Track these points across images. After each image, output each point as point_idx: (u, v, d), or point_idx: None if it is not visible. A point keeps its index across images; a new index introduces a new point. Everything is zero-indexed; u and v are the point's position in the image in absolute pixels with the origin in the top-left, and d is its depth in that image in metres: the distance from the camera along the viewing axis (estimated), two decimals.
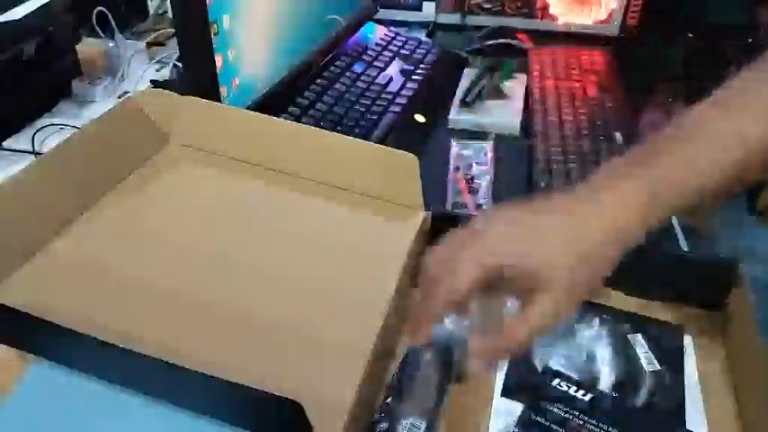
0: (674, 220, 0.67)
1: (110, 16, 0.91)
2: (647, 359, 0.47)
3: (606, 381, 0.46)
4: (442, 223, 0.54)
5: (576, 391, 0.44)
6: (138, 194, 0.53)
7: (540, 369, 0.46)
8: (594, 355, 0.48)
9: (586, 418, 0.42)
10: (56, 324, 0.35)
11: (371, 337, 0.42)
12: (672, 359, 0.48)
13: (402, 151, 0.53)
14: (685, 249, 0.63)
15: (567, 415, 0.43)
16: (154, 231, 0.50)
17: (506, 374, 0.46)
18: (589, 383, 0.45)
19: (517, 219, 0.40)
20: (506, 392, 0.45)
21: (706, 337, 0.51)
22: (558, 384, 0.45)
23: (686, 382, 0.47)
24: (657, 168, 0.40)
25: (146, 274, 0.46)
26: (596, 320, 0.50)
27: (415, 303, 0.41)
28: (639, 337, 0.49)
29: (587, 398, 0.44)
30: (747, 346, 0.46)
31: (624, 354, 0.48)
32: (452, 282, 0.38)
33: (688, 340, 0.50)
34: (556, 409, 0.43)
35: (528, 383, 0.45)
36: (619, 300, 0.51)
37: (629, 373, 0.47)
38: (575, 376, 0.46)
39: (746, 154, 0.40)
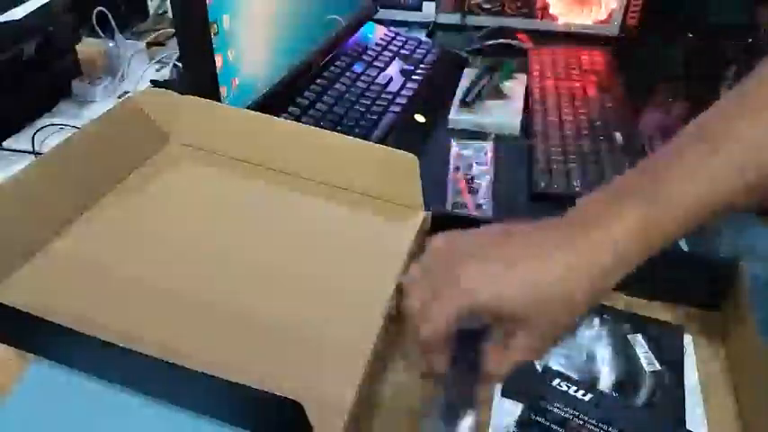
0: None
1: (110, 16, 0.91)
2: (647, 359, 0.47)
3: (606, 381, 0.46)
4: (441, 223, 0.54)
5: (576, 391, 0.44)
6: (138, 194, 0.53)
7: (539, 369, 0.46)
8: (594, 355, 0.48)
9: (586, 418, 0.42)
10: (56, 324, 0.35)
11: (371, 337, 0.42)
12: (672, 359, 0.48)
13: (402, 151, 0.53)
14: (685, 249, 0.63)
15: (566, 415, 0.43)
16: (154, 231, 0.50)
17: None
18: (589, 383, 0.45)
19: (491, 255, 0.38)
20: (506, 392, 0.45)
21: (706, 337, 0.51)
22: (558, 384, 0.45)
23: (686, 382, 0.47)
24: (658, 196, 0.37)
25: (145, 274, 0.46)
26: (596, 320, 0.50)
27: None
28: (639, 337, 0.49)
29: (587, 398, 0.44)
30: (747, 346, 0.46)
31: (624, 354, 0.48)
32: (428, 329, 0.37)
33: (688, 340, 0.50)
34: (556, 409, 0.43)
35: (528, 383, 0.45)
36: (619, 299, 0.51)
37: (629, 373, 0.47)
38: (575, 376, 0.46)
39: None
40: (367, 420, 0.43)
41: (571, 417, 0.43)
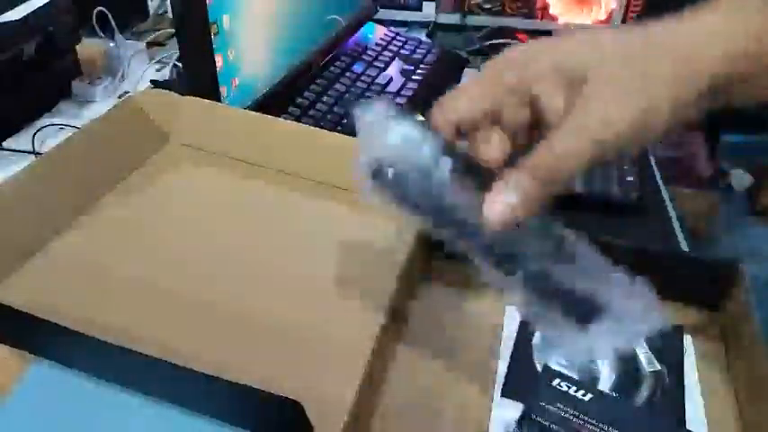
0: (674, 221, 0.67)
1: (110, 16, 0.91)
2: (647, 359, 0.47)
3: (606, 381, 0.46)
4: None
5: (576, 391, 0.44)
6: (138, 194, 0.53)
7: (539, 369, 0.46)
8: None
9: (587, 418, 0.42)
10: (55, 324, 0.35)
11: (371, 337, 0.42)
12: (672, 359, 0.48)
13: None
14: (685, 249, 0.63)
15: (567, 415, 0.43)
16: (154, 231, 0.50)
17: (506, 375, 0.46)
18: (589, 383, 0.45)
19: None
20: (506, 393, 0.45)
21: (706, 337, 0.50)
22: (559, 384, 0.45)
23: (686, 382, 0.47)
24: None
25: (145, 274, 0.46)
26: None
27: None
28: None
29: (587, 398, 0.44)
30: (747, 346, 0.46)
31: (624, 353, 0.48)
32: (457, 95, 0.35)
33: (688, 340, 0.50)
34: (556, 410, 0.43)
35: (528, 384, 0.45)
36: None
37: (629, 374, 0.47)
38: (575, 376, 0.46)
39: None
40: (367, 420, 0.43)
41: (571, 417, 0.43)
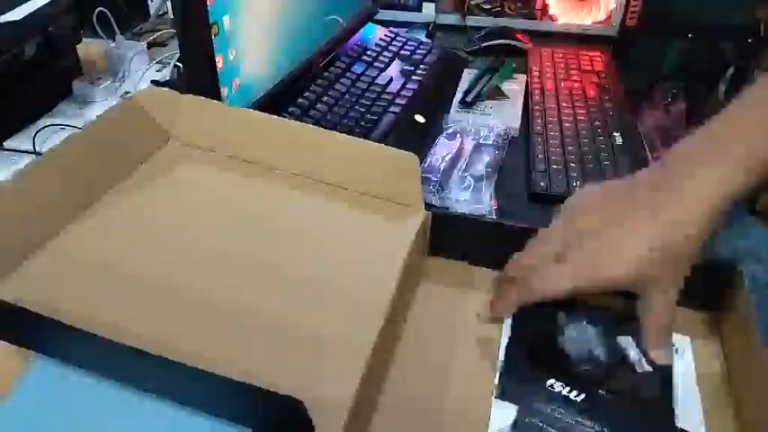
0: None
1: (110, 17, 0.91)
2: (637, 361, 0.47)
3: (599, 382, 0.46)
4: (441, 223, 0.54)
5: (569, 392, 0.44)
6: (138, 193, 0.53)
7: (533, 371, 0.46)
8: (586, 357, 0.48)
9: (580, 419, 0.43)
10: (56, 321, 0.35)
11: (371, 337, 0.42)
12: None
13: (402, 151, 0.53)
14: None
15: (560, 416, 0.43)
16: (154, 230, 0.50)
17: (500, 377, 0.46)
18: (582, 384, 0.45)
19: (606, 228, 0.45)
20: (501, 395, 0.45)
21: (706, 337, 0.51)
22: (552, 386, 0.45)
23: (686, 383, 0.47)
24: (741, 146, 0.43)
25: (146, 272, 0.46)
26: (588, 323, 0.50)
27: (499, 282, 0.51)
28: (630, 339, 0.49)
29: (580, 398, 0.44)
30: (747, 346, 0.46)
31: (615, 356, 0.48)
32: (546, 283, 0.46)
33: (687, 340, 0.50)
34: (550, 411, 0.43)
35: (522, 386, 0.45)
36: (619, 301, 0.51)
37: (620, 375, 0.46)
38: (568, 378, 0.46)
39: None
40: (367, 420, 0.43)
41: (565, 418, 0.43)
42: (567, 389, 0.44)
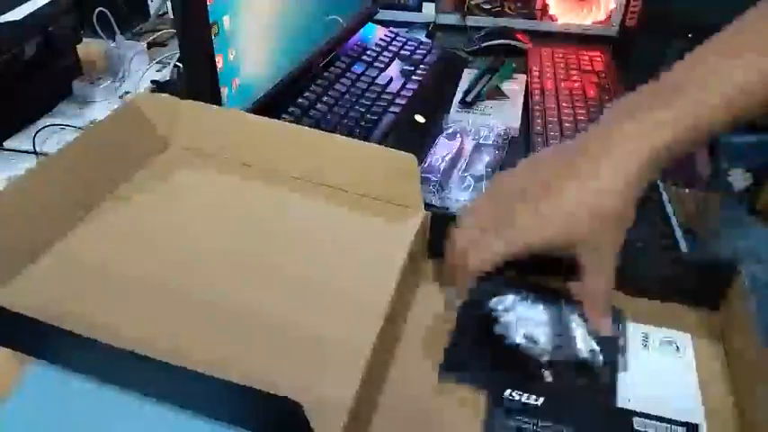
0: (674, 221, 0.67)
1: (110, 17, 0.91)
2: (583, 338, 0.47)
3: (546, 365, 0.46)
4: (441, 223, 0.54)
5: (528, 398, 0.44)
6: (139, 197, 0.53)
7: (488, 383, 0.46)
8: (534, 338, 0.47)
9: (545, 423, 0.43)
10: (57, 327, 0.35)
11: (371, 337, 0.42)
12: (608, 339, 0.48)
13: (402, 152, 0.53)
14: (685, 250, 0.63)
15: (526, 425, 0.43)
16: (155, 233, 0.50)
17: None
18: (536, 386, 0.45)
19: (532, 191, 0.45)
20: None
21: (706, 337, 0.51)
22: (511, 396, 0.44)
23: (686, 383, 0.47)
24: (667, 110, 0.43)
25: (146, 276, 0.46)
26: (530, 298, 0.49)
27: (444, 265, 0.49)
28: (576, 316, 0.48)
29: (540, 402, 0.44)
30: (747, 346, 0.46)
31: (561, 334, 0.47)
32: (480, 254, 0.45)
33: (688, 338, 0.50)
34: (515, 422, 0.43)
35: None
36: (618, 300, 0.51)
37: (566, 355, 0.46)
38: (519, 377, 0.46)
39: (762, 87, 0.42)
40: (367, 420, 0.43)
41: (530, 426, 0.43)
42: (525, 395, 0.44)
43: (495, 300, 0.49)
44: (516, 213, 0.44)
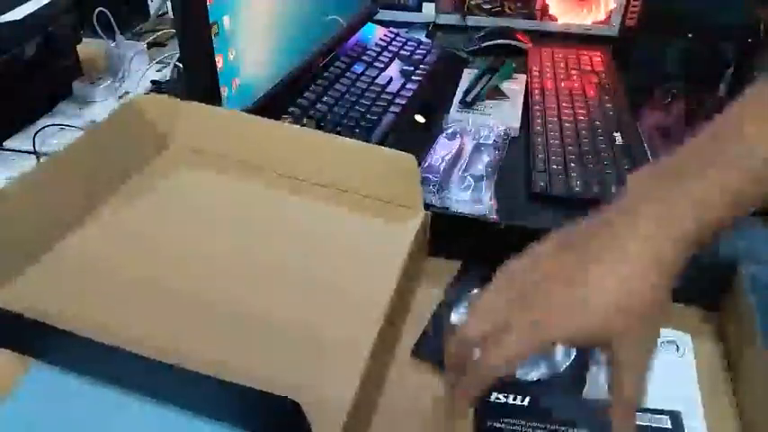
0: None
1: (110, 17, 0.91)
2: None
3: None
4: (441, 223, 0.54)
5: (514, 399, 0.44)
6: (139, 197, 0.53)
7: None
8: None
9: (534, 424, 0.43)
10: (57, 329, 0.35)
11: (371, 337, 0.42)
12: None
13: (401, 152, 0.53)
14: None
15: (515, 427, 0.43)
16: (155, 234, 0.50)
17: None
18: (521, 386, 0.45)
19: (554, 275, 0.38)
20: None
21: (706, 337, 0.51)
22: (497, 398, 0.45)
23: (686, 383, 0.47)
24: (703, 182, 0.36)
25: (146, 276, 0.46)
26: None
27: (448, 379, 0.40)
28: None
29: (526, 402, 0.44)
30: (747, 346, 0.46)
31: None
32: (501, 352, 0.36)
33: (688, 339, 0.50)
34: (503, 425, 0.43)
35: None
36: None
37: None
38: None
39: None
40: (367, 420, 0.43)
41: (519, 428, 0.43)
42: (511, 396, 0.44)
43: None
44: (535, 307, 0.37)
